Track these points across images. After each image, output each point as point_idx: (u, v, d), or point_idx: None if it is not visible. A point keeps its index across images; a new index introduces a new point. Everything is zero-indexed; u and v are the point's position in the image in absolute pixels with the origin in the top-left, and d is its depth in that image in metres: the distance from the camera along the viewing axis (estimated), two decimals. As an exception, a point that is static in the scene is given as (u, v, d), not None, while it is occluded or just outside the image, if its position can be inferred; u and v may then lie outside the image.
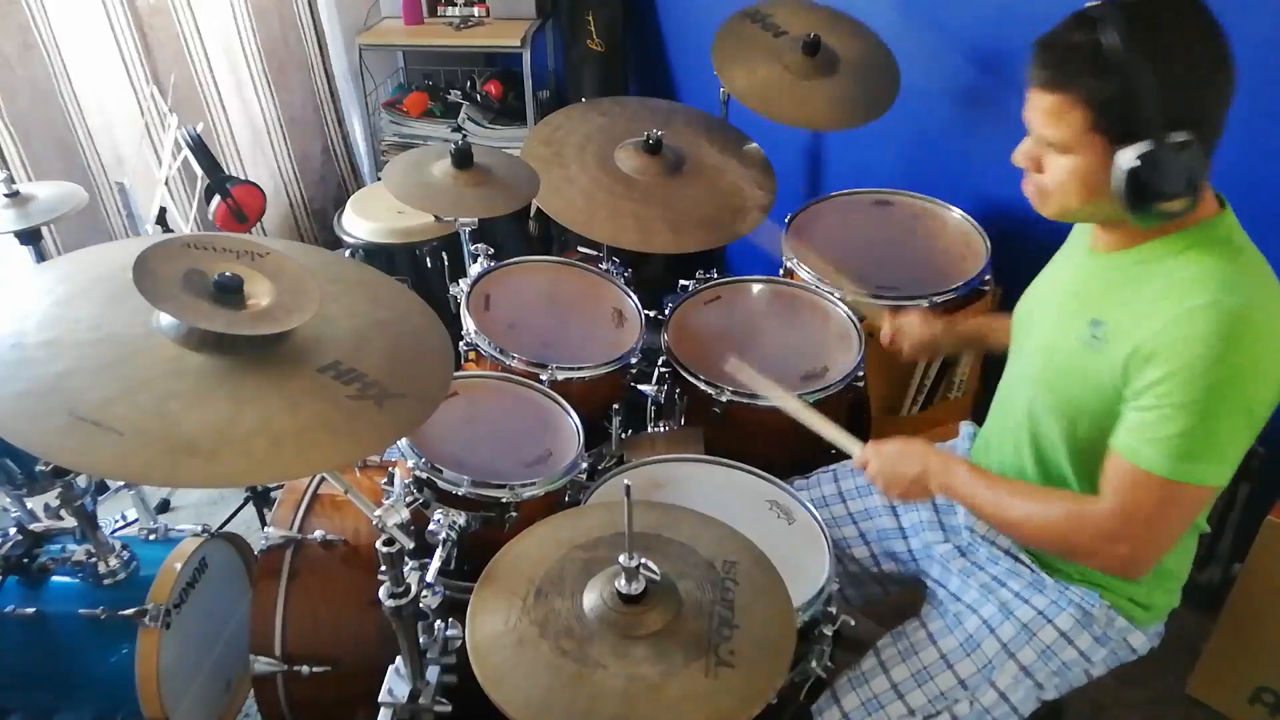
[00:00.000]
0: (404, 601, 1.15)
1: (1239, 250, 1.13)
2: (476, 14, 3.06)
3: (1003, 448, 1.42)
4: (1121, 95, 1.04)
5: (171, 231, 2.19)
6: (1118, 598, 1.33)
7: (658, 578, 1.06)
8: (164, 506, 2.53)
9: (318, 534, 1.58)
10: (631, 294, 2.04)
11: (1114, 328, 1.16)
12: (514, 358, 1.79)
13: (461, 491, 1.51)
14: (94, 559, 1.61)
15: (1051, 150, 1.14)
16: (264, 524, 1.94)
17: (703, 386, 1.80)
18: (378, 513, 1.11)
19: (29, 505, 1.85)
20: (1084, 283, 1.26)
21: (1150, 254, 1.16)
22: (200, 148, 2.06)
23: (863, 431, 2.08)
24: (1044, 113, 1.11)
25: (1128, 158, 1.05)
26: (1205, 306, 1.05)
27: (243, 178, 2.17)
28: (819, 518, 1.51)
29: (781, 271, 2.16)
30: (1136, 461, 1.10)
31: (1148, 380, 1.09)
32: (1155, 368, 1.08)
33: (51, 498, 1.64)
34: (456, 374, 1.76)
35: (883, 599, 1.67)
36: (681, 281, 2.08)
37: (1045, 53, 1.10)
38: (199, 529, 1.76)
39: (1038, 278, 1.43)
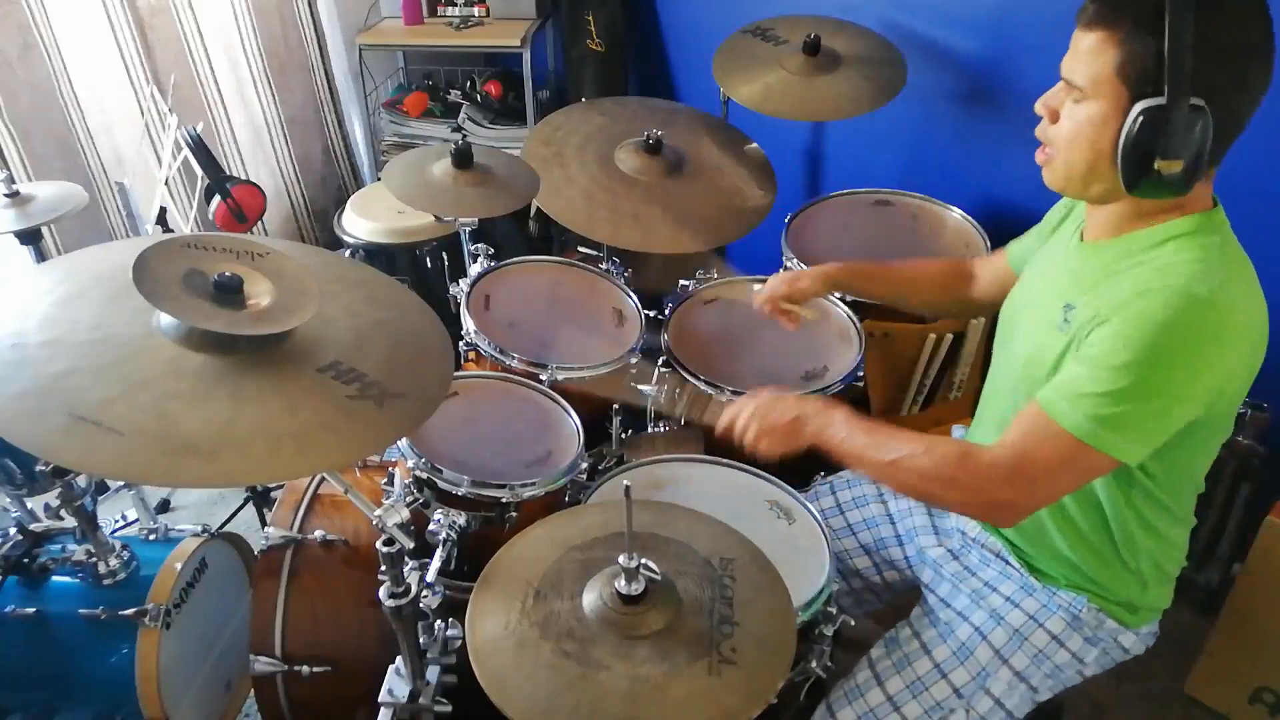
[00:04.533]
0: (404, 601, 1.15)
1: (1220, 246, 1.11)
2: (476, 14, 3.06)
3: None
4: (1156, 46, 1.01)
5: (171, 231, 2.18)
6: (1105, 601, 1.32)
7: (658, 577, 1.06)
8: (164, 506, 2.53)
9: (318, 534, 1.58)
10: (631, 294, 2.04)
11: (1082, 310, 1.14)
12: (514, 358, 1.79)
13: (461, 491, 1.51)
14: (94, 559, 1.61)
15: (1073, 97, 1.11)
16: (264, 524, 1.94)
17: (703, 386, 1.80)
18: (378, 513, 1.11)
19: (29, 505, 1.84)
20: (1066, 272, 1.24)
21: (1135, 243, 1.15)
22: (200, 148, 2.06)
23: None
24: (1080, 52, 1.08)
25: (1139, 108, 1.03)
26: (1170, 289, 1.04)
27: (243, 178, 2.17)
28: (819, 517, 1.51)
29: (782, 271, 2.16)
30: (1051, 413, 1.08)
31: (1092, 339, 1.08)
32: (1104, 329, 1.07)
33: (51, 498, 1.64)
34: (456, 374, 1.76)
35: (885, 611, 1.67)
36: (681, 281, 2.08)
37: None
38: (199, 529, 1.76)
39: (1019, 282, 1.41)
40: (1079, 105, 1.10)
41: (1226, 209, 1.16)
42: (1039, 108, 1.17)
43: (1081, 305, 1.15)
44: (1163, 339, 1.03)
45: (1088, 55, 1.08)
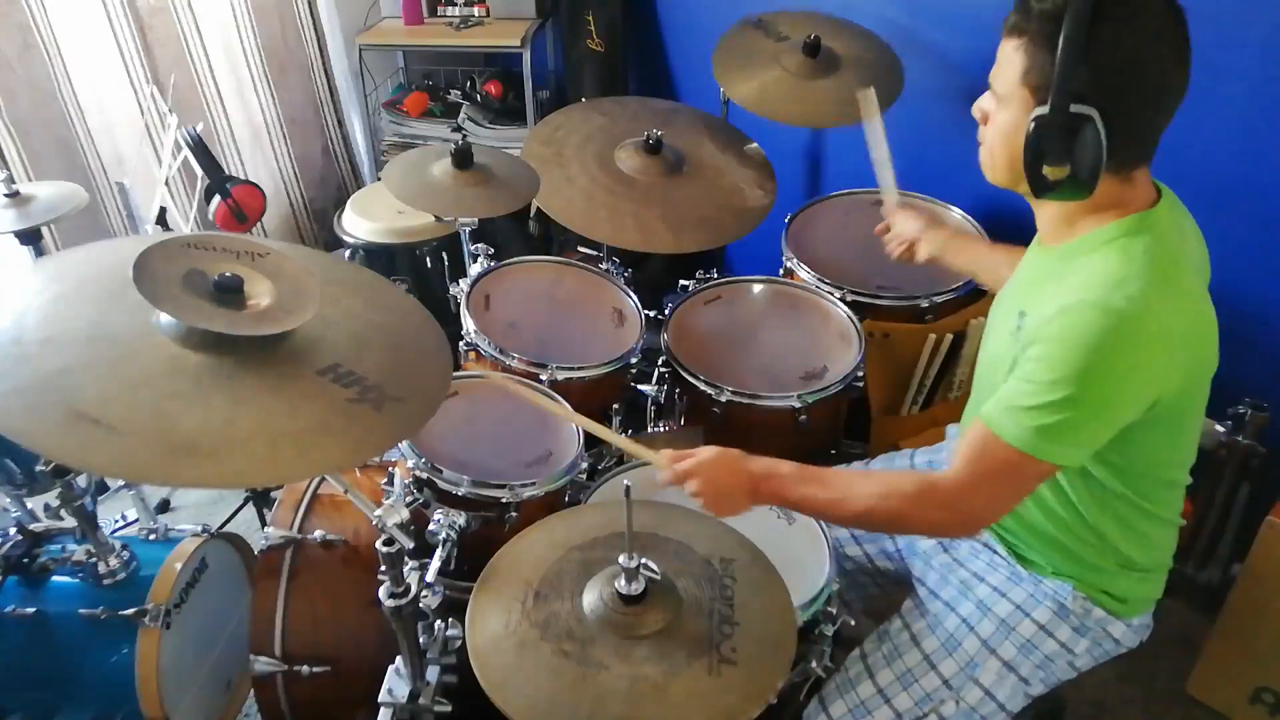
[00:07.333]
0: (404, 601, 1.15)
1: (1146, 249, 1.11)
2: (476, 14, 3.06)
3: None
4: (1050, 55, 1.05)
5: (171, 231, 2.18)
6: (1090, 589, 1.32)
7: (658, 577, 1.06)
8: (164, 506, 2.53)
9: (318, 534, 1.58)
10: (631, 294, 2.04)
11: (1031, 318, 1.17)
12: (514, 358, 1.79)
13: (461, 491, 1.51)
14: (94, 559, 1.61)
15: (996, 102, 1.17)
16: (264, 524, 1.94)
17: (703, 386, 1.80)
18: (378, 513, 1.11)
19: (29, 505, 1.85)
20: (1023, 276, 1.30)
21: (1078, 247, 1.17)
22: (200, 148, 2.06)
23: (863, 431, 2.09)
24: (999, 60, 1.15)
25: (1031, 116, 1.08)
26: (1091, 304, 1.06)
27: (243, 178, 2.17)
28: (819, 518, 1.51)
29: (781, 272, 2.16)
30: (995, 429, 1.12)
31: (1028, 354, 1.11)
32: (1035, 347, 1.10)
33: (51, 498, 1.64)
34: (456, 374, 1.76)
35: (879, 597, 1.67)
36: (681, 281, 2.08)
37: (1019, 3, 1.13)
38: (199, 529, 1.76)
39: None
40: (999, 110, 1.16)
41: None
42: (974, 111, 1.22)
43: (1031, 313, 1.18)
44: (1085, 357, 1.06)
45: (1003, 63, 1.14)
